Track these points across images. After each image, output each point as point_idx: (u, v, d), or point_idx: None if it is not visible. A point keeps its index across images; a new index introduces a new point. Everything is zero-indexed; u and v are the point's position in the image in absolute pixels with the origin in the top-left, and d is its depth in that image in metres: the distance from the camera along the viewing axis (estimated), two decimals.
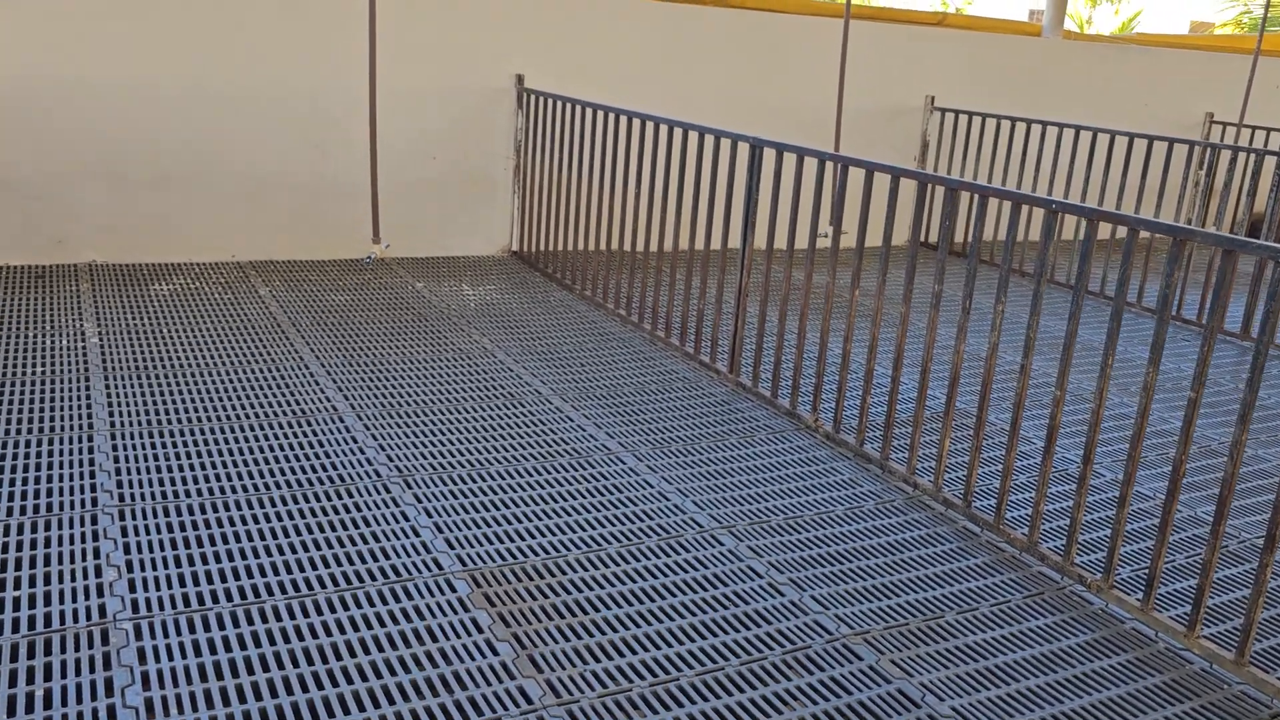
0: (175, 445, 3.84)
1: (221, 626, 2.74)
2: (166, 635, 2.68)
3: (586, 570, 3.18)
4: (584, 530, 3.43)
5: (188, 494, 3.47)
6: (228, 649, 2.65)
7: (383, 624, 2.82)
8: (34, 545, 3.08)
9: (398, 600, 2.94)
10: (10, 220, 6.03)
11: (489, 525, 3.41)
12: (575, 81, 6.84)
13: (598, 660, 2.74)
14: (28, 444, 3.76)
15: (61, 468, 3.59)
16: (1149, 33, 12.93)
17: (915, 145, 8.58)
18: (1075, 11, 20.24)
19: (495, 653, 2.73)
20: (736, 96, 7.63)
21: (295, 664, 2.62)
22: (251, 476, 3.64)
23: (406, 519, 3.41)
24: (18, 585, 2.87)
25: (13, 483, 3.45)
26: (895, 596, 3.17)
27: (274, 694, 2.50)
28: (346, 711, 2.46)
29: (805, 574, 3.26)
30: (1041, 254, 3.39)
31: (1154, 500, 4.01)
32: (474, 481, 3.72)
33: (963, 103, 8.39)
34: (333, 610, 2.86)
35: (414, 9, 6.58)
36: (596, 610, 2.97)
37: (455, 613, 2.90)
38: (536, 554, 3.25)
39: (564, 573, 3.15)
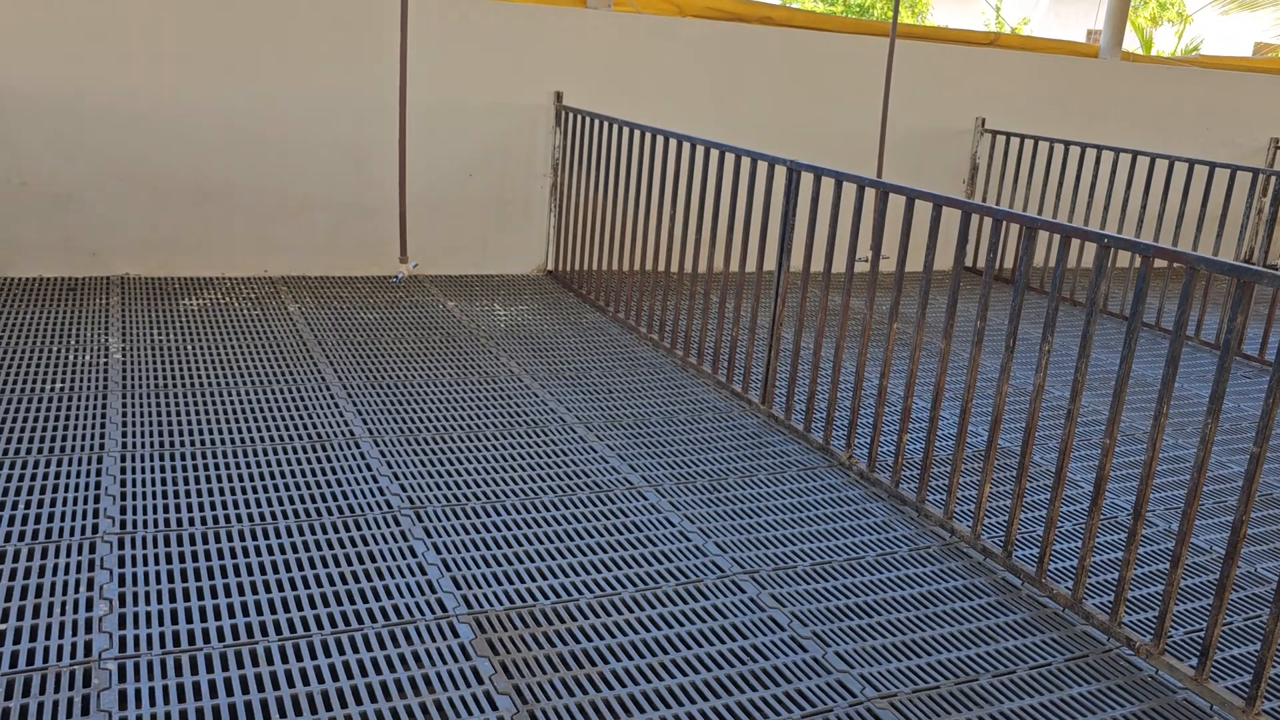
0: (184, 469, 3.74)
1: (210, 670, 2.61)
2: (151, 678, 2.56)
3: (598, 616, 3.01)
4: (598, 572, 3.26)
5: (191, 522, 3.36)
6: (213, 694, 2.52)
7: (379, 671, 2.68)
8: (28, 574, 2.98)
9: (397, 645, 2.79)
10: (47, 232, 6.02)
11: (499, 564, 3.26)
12: (614, 99, 6.71)
13: (602, 719, 2.57)
14: (35, 464, 3.68)
15: (66, 490, 3.50)
16: (1210, 54, 12.53)
17: (965, 167, 8.34)
18: (1139, 24, 19.68)
19: (494, 707, 2.57)
20: (780, 115, 7.45)
21: (282, 713, 2.48)
22: (259, 504, 3.52)
23: (414, 554, 3.27)
24: (5, 617, 2.77)
25: (15, 505, 3.37)
26: (926, 655, 2.96)
27: None
28: None
29: (830, 627, 3.06)
30: (1092, 291, 3.18)
31: (1210, 554, 3.75)
32: (488, 515, 3.57)
33: (1015, 125, 8.14)
34: (328, 654, 2.72)
35: (453, 26, 6.49)
36: (605, 662, 2.80)
37: (456, 660, 2.75)
38: (546, 597, 3.09)
39: (574, 619, 2.99)
